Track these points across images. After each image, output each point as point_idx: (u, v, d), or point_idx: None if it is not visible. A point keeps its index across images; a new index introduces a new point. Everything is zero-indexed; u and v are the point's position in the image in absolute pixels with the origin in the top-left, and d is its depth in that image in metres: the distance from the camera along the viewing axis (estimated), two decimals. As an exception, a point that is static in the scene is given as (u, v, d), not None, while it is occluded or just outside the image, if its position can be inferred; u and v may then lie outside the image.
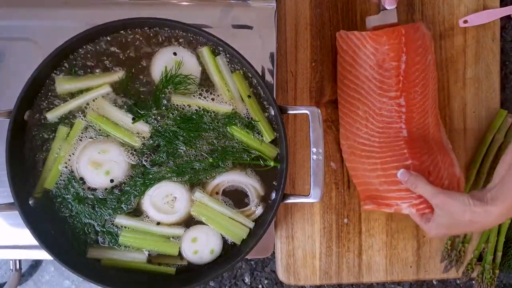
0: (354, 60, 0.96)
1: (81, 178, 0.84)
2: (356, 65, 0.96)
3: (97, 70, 0.86)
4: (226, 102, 0.86)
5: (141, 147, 0.85)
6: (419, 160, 0.92)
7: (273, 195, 0.87)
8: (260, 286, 1.06)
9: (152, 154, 0.85)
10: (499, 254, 1.03)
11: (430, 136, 0.96)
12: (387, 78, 0.93)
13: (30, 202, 0.83)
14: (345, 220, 1.02)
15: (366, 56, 0.95)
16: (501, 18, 1.06)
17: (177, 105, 0.85)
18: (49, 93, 0.85)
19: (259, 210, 0.87)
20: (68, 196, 0.85)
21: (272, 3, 0.99)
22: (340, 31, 0.96)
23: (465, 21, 1.05)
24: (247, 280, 1.06)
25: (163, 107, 0.85)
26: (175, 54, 0.86)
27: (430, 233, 0.90)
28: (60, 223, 0.85)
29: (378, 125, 0.95)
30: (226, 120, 0.85)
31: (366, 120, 0.95)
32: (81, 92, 0.85)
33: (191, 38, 0.87)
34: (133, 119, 0.84)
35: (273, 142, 0.87)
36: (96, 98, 0.85)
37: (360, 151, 0.96)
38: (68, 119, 0.85)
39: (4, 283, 0.98)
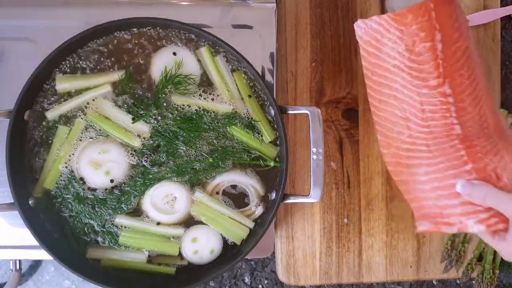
0: (380, 50, 0.80)
1: (81, 178, 0.84)
2: (382, 55, 0.80)
3: (97, 70, 0.86)
4: (226, 102, 0.86)
5: (141, 147, 0.85)
6: (481, 162, 0.75)
7: (273, 195, 0.87)
8: (260, 286, 1.06)
9: (152, 154, 0.85)
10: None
11: (490, 128, 0.78)
12: (422, 64, 0.76)
13: (30, 202, 0.83)
14: (345, 220, 1.02)
15: (392, 42, 0.78)
16: (502, 18, 1.06)
17: (177, 105, 0.85)
18: (49, 93, 0.85)
19: (259, 210, 0.87)
20: (68, 196, 0.84)
21: (272, 3, 0.99)
22: (358, 21, 0.82)
23: (465, 21, 1.05)
24: (247, 280, 1.06)
25: (163, 107, 0.85)
26: (174, 54, 0.86)
27: (507, 253, 0.73)
28: (60, 223, 0.85)
29: (422, 124, 0.77)
30: (226, 120, 0.85)
31: (407, 120, 0.78)
32: (81, 92, 0.85)
33: (191, 38, 0.87)
34: (133, 119, 0.84)
35: (273, 142, 0.87)
36: (96, 98, 0.85)
37: (406, 159, 0.79)
38: (68, 119, 0.85)
39: (4, 283, 0.98)
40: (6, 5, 0.96)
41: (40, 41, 0.95)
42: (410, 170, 0.79)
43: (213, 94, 0.86)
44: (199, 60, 0.87)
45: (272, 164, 0.86)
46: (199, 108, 0.86)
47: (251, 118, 0.86)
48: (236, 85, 0.86)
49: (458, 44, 0.77)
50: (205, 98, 0.86)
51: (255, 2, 0.99)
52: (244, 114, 0.86)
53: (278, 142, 0.87)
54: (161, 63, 0.85)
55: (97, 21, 0.84)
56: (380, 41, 0.80)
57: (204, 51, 0.86)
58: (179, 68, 0.85)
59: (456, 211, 0.75)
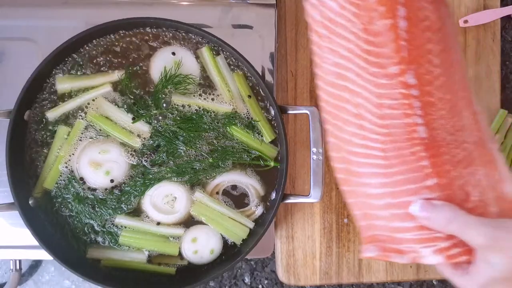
0: (332, 32, 0.63)
1: (81, 178, 0.84)
2: (335, 38, 0.63)
3: (97, 70, 0.86)
4: (226, 102, 0.86)
5: (141, 147, 0.85)
6: (448, 177, 0.58)
7: (273, 195, 0.87)
8: (260, 286, 1.06)
9: (152, 154, 0.85)
10: (499, 254, 1.03)
11: (466, 132, 0.61)
12: (381, 47, 0.59)
13: (30, 202, 0.83)
14: (345, 220, 1.02)
15: (346, 21, 0.61)
16: (502, 18, 1.06)
17: (177, 105, 0.85)
18: (49, 93, 0.85)
19: (259, 210, 0.87)
20: (68, 196, 0.84)
21: (272, 3, 0.99)
22: None
23: (465, 21, 1.05)
24: (247, 280, 1.06)
25: (163, 107, 0.85)
26: (173, 54, 0.86)
27: None
28: (60, 223, 0.85)
29: (379, 124, 0.60)
30: (226, 120, 0.85)
31: (361, 118, 0.61)
32: (81, 92, 0.85)
33: (191, 38, 0.87)
34: (133, 119, 0.84)
35: (273, 142, 0.87)
36: (96, 98, 0.85)
37: (357, 166, 0.63)
38: (68, 119, 0.85)
39: (4, 283, 0.98)
40: (6, 5, 0.96)
41: (40, 41, 0.95)
42: (361, 180, 0.63)
43: (213, 94, 0.86)
44: (198, 60, 0.87)
45: (272, 164, 0.86)
46: (199, 108, 0.86)
47: (251, 118, 0.86)
48: (236, 85, 0.86)
49: (428, 22, 0.60)
50: (205, 98, 0.86)
51: (255, 2, 0.99)
52: (244, 114, 0.86)
53: (278, 142, 0.87)
54: (160, 63, 0.85)
55: (97, 21, 0.84)
56: (333, 21, 0.63)
57: (204, 51, 0.86)
58: (178, 68, 0.85)
59: (410, 237, 0.59)
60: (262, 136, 0.86)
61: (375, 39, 0.60)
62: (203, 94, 0.86)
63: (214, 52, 0.87)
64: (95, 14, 0.94)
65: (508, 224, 0.55)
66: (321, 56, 0.65)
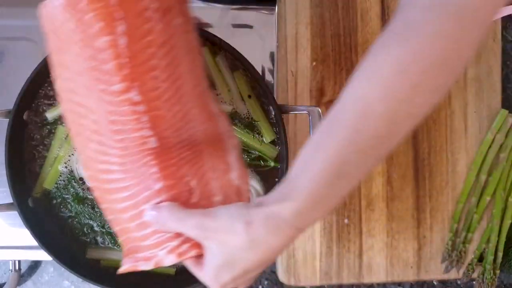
0: (61, 45, 0.61)
1: (81, 178, 0.84)
2: (64, 53, 0.61)
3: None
4: (226, 102, 0.86)
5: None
6: (174, 177, 0.60)
7: (273, 195, 0.86)
8: (260, 286, 1.05)
9: (152, 154, 0.85)
10: (500, 254, 1.03)
11: (199, 135, 0.64)
12: (104, 64, 0.58)
13: (29, 202, 0.83)
14: (346, 221, 1.02)
15: (68, 37, 0.59)
16: (502, 18, 1.06)
17: None
18: (49, 93, 0.85)
19: (259, 211, 0.86)
20: (67, 196, 0.84)
21: (272, 2, 0.99)
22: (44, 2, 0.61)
23: (466, 21, 1.04)
24: (247, 280, 1.05)
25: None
26: None
27: (210, 283, 0.59)
28: (60, 224, 0.85)
29: (115, 139, 0.60)
30: None
31: (100, 133, 0.61)
32: (80, 92, 0.85)
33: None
34: (133, 119, 0.84)
35: (273, 142, 0.87)
36: (95, 98, 0.85)
37: (105, 183, 0.63)
38: (67, 119, 0.85)
39: (4, 284, 0.98)
40: (6, 5, 0.96)
41: (40, 41, 0.94)
42: (111, 197, 0.63)
43: (213, 94, 0.86)
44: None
45: (272, 164, 0.86)
46: None
47: (251, 118, 0.86)
48: (237, 85, 0.86)
49: (150, 37, 0.58)
50: None
51: (255, 2, 0.99)
52: (244, 114, 0.86)
53: (278, 142, 0.87)
54: None
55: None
56: (58, 33, 0.60)
57: (204, 51, 0.86)
58: None
59: (150, 242, 0.61)
60: (262, 137, 0.86)
61: (99, 55, 0.57)
62: (203, 94, 0.86)
63: (213, 52, 0.86)
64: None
65: (215, 211, 0.57)
66: (54, 70, 0.64)
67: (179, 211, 0.58)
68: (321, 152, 0.54)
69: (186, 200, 0.60)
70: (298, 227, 0.54)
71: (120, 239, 0.66)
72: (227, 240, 0.55)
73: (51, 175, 0.84)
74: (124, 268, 0.64)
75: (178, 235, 0.59)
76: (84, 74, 0.59)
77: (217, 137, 0.66)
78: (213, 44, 0.87)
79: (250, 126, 0.86)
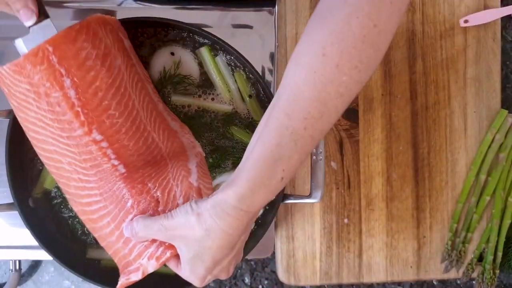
0: (20, 104, 0.69)
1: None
2: (26, 110, 0.69)
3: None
4: (226, 102, 0.86)
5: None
6: (141, 193, 0.69)
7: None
8: (260, 286, 1.06)
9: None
10: (500, 254, 1.03)
11: (164, 152, 0.73)
12: (63, 115, 0.67)
13: (29, 202, 0.83)
14: (346, 220, 1.02)
15: (26, 96, 0.68)
16: (502, 18, 1.06)
17: (176, 105, 0.85)
18: (49, 93, 0.85)
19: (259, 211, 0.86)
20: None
21: (272, 2, 0.99)
22: None
23: (466, 21, 1.04)
24: (247, 280, 1.05)
25: (163, 107, 0.85)
26: (172, 54, 0.85)
27: (190, 279, 0.65)
28: (60, 223, 0.85)
29: (90, 174, 0.69)
30: (226, 120, 0.85)
31: (76, 172, 0.70)
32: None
33: (191, 38, 0.87)
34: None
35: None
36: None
37: (91, 214, 0.72)
38: (67, 119, 0.85)
39: (4, 284, 0.98)
40: (6, 5, 0.96)
41: (40, 41, 0.95)
42: (98, 225, 0.71)
43: (213, 94, 0.86)
44: (198, 60, 0.87)
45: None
46: (199, 108, 0.85)
47: (252, 118, 0.86)
48: (237, 85, 0.86)
49: (97, 84, 0.67)
50: (204, 99, 0.86)
51: (255, 2, 0.99)
52: (244, 114, 0.86)
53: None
54: (160, 62, 0.85)
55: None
56: (15, 93, 0.69)
57: (204, 51, 0.86)
58: (177, 68, 0.85)
59: (134, 255, 0.69)
60: None
61: (56, 109, 0.66)
62: (202, 94, 0.86)
63: (213, 52, 0.87)
64: (94, 14, 0.94)
65: (173, 211, 0.63)
66: (23, 125, 0.72)
67: (145, 220, 0.65)
68: (260, 140, 0.57)
69: (154, 209, 0.68)
70: (245, 209, 0.58)
71: (115, 260, 0.72)
72: (186, 235, 0.60)
73: (51, 175, 0.84)
74: (120, 284, 0.70)
75: (154, 241, 0.66)
76: (47, 127, 0.68)
77: (180, 150, 0.74)
78: (213, 43, 0.87)
79: (251, 126, 0.86)
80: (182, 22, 0.84)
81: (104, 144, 0.68)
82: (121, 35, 0.75)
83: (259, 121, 0.84)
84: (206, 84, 0.87)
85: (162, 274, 0.85)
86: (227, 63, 0.87)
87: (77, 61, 0.66)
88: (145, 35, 0.86)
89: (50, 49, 0.65)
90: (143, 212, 0.68)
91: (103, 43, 0.69)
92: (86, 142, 0.67)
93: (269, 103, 0.85)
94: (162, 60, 0.85)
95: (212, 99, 0.86)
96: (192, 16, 0.96)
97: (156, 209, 0.68)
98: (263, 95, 0.87)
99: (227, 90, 0.86)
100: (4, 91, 0.70)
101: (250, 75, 0.87)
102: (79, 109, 0.66)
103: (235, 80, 0.86)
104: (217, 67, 0.86)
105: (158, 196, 0.69)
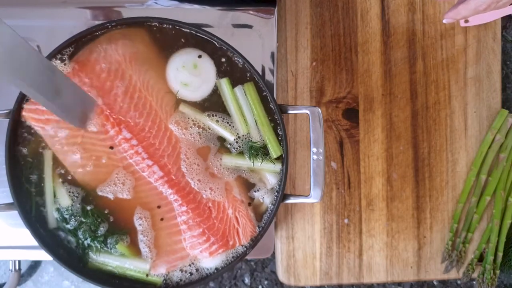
0: (45, 131, 0.81)
1: (81, 178, 0.84)
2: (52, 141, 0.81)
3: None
4: (237, 128, 0.83)
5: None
6: (194, 202, 0.82)
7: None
8: (260, 286, 1.06)
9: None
10: (500, 254, 1.03)
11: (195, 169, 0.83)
12: (101, 133, 0.80)
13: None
14: (346, 221, 1.02)
15: (56, 127, 0.81)
16: (502, 18, 1.06)
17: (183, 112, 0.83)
18: (49, 93, 0.85)
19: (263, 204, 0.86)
20: (67, 196, 0.84)
21: (272, 3, 0.99)
22: (25, 107, 0.80)
23: (466, 21, 1.04)
24: (247, 280, 1.05)
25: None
26: (200, 56, 0.82)
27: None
28: (60, 224, 0.84)
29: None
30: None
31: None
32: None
33: (195, 38, 0.87)
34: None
35: (278, 158, 0.85)
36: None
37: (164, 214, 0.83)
38: (67, 119, 0.85)
39: (4, 284, 0.98)
40: (7, 5, 0.96)
41: (40, 41, 0.95)
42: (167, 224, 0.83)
43: (220, 117, 0.83)
44: (198, 58, 0.86)
45: (276, 168, 0.85)
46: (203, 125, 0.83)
47: (262, 141, 0.83)
48: (252, 114, 0.83)
49: (114, 91, 0.80)
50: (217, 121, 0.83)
51: (255, 2, 0.99)
52: (259, 142, 0.83)
53: (281, 144, 0.86)
54: (179, 63, 0.83)
55: (97, 21, 0.84)
56: (44, 122, 0.81)
57: (223, 83, 0.82)
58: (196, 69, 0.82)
59: (184, 245, 0.82)
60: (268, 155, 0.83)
61: (95, 127, 0.80)
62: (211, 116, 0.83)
63: (232, 84, 0.83)
64: (94, 14, 0.94)
65: None
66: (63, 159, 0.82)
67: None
68: None
69: (208, 216, 0.81)
70: None
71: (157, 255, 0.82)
72: None
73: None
74: (159, 271, 0.81)
75: (203, 235, 0.81)
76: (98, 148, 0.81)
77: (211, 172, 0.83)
78: (213, 44, 0.86)
79: (262, 151, 0.82)
80: (183, 22, 0.83)
81: (134, 141, 0.79)
82: (134, 47, 0.83)
83: (267, 137, 0.81)
84: (213, 107, 0.84)
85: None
86: (244, 93, 0.83)
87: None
88: (146, 35, 0.86)
89: (77, 67, 0.80)
90: (199, 216, 0.81)
91: (113, 58, 0.81)
92: (119, 140, 0.79)
93: (268, 103, 0.85)
94: (181, 61, 0.83)
95: (217, 120, 0.83)
96: (192, 16, 0.96)
97: (210, 215, 0.81)
98: (263, 94, 0.87)
99: (245, 125, 0.83)
100: (43, 129, 0.81)
101: (250, 75, 0.86)
102: (107, 112, 0.79)
103: (251, 109, 0.83)
104: (234, 98, 0.82)
105: (210, 206, 0.81)
